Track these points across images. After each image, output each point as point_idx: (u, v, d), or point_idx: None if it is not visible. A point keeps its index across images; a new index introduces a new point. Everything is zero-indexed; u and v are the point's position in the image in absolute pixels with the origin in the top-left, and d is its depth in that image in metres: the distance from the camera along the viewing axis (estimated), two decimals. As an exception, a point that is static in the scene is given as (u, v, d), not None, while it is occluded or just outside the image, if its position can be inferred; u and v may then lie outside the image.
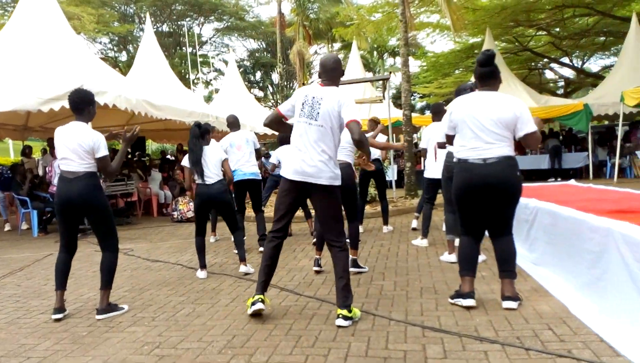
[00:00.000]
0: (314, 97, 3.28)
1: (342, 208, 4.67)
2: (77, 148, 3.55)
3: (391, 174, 10.36)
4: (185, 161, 4.84)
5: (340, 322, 3.13)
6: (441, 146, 3.56)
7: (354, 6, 20.94)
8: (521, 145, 13.02)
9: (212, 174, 4.71)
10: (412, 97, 33.06)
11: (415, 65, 29.18)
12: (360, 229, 6.76)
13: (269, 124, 3.53)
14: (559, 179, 12.43)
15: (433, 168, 5.39)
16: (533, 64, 22.68)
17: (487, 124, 3.23)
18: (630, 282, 2.69)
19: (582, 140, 14.83)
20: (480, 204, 3.35)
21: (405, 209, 8.72)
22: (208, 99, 22.82)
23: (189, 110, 9.89)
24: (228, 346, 2.92)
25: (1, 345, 3.17)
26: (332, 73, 3.36)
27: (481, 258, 4.66)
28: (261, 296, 3.33)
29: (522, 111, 3.22)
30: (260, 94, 36.43)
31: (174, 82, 12.58)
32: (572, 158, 14.21)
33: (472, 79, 3.61)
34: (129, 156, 13.08)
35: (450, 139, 3.55)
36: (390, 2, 15.16)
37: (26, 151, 10.95)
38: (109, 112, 8.35)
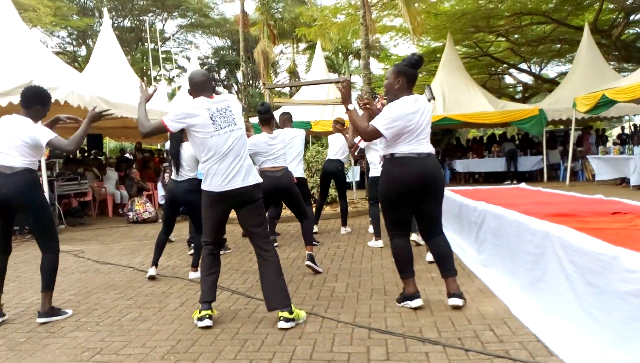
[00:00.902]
0: (217, 109, 3.26)
1: (291, 210, 4.73)
2: (21, 145, 3.42)
3: (352, 175, 10.43)
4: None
5: (282, 324, 3.12)
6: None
7: (318, 7, 20.99)
8: (480, 150, 13.06)
9: (184, 172, 4.63)
10: (376, 100, 33.43)
11: (379, 67, 29.51)
12: (315, 229, 6.79)
13: (150, 133, 3.31)
14: (515, 181, 12.81)
15: (378, 168, 5.40)
16: (493, 69, 23.29)
17: (425, 123, 3.33)
18: (566, 283, 2.79)
19: (537, 144, 15.34)
20: (413, 201, 3.36)
21: (364, 211, 8.77)
22: (172, 96, 22.40)
23: (147, 108, 9.67)
24: (171, 351, 2.87)
25: None
26: (208, 84, 3.40)
27: (432, 257, 4.75)
28: (208, 311, 3.27)
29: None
30: (225, 92, 36.01)
31: (133, 79, 12.27)
32: (527, 161, 14.69)
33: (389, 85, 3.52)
34: (85, 154, 12.71)
35: (374, 138, 3.43)
36: (352, 5, 15.27)
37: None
38: (62, 108, 8.06)
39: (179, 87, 20.84)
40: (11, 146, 3.43)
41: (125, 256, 5.91)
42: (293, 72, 27.94)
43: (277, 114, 6.60)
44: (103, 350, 2.94)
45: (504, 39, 20.00)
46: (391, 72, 3.41)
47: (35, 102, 3.58)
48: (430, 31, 17.46)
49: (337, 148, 6.57)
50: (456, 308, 3.34)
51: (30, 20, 19.82)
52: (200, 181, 4.81)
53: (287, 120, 5.98)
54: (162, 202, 7.05)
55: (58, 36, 28.57)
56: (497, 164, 14.83)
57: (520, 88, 25.48)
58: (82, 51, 29.09)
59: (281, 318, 3.14)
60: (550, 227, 3.02)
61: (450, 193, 5.80)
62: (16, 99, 5.16)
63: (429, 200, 3.38)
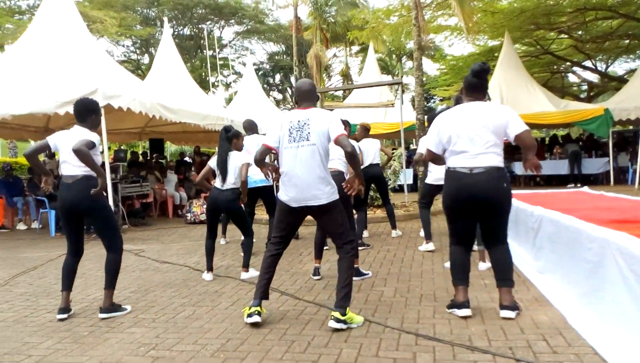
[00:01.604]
0: (299, 121, 3.32)
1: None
2: None
3: (403, 178, 10.32)
4: (212, 161, 4.92)
5: (330, 323, 3.16)
6: (432, 160, 3.52)
7: (370, 10, 20.94)
8: (541, 151, 12.45)
9: (229, 181, 4.77)
10: (432, 101, 32.85)
11: (434, 68, 29.02)
12: (366, 234, 6.76)
13: (260, 159, 3.46)
14: (579, 185, 12.21)
15: (437, 175, 5.37)
16: (555, 67, 22.28)
17: (477, 132, 3.22)
18: (627, 293, 2.63)
19: (603, 145, 14.55)
20: (468, 213, 3.35)
21: (416, 214, 8.64)
22: (229, 101, 23.07)
23: (204, 113, 10.02)
24: (221, 349, 2.96)
25: (6, 342, 3.27)
26: (310, 95, 3.43)
27: (486, 266, 4.63)
28: (257, 308, 3.35)
29: (511, 115, 3.26)
30: (280, 96, 36.70)
31: (191, 85, 12.75)
32: (592, 163, 13.95)
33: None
34: (147, 158, 13.34)
35: (433, 156, 3.46)
36: (405, 6, 15.12)
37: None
38: (125, 114, 8.51)
39: (235, 93, 21.41)
40: (69, 153, 3.65)
41: (182, 256, 6.14)
42: (345, 75, 28.03)
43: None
44: (157, 346, 3.08)
45: (566, 36, 19.11)
46: None
47: (88, 113, 3.79)
48: (487, 30, 16.99)
49: (372, 152, 6.48)
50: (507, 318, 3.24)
51: (98, 32, 21.06)
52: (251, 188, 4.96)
53: None
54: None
55: (123, 45, 30.17)
56: (559, 166, 14.19)
57: (585, 87, 24.26)
58: (145, 59, 30.53)
59: (332, 317, 3.18)
60: (610, 234, 2.86)
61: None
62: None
63: (486, 214, 3.31)
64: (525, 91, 13.84)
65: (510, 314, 3.22)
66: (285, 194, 3.36)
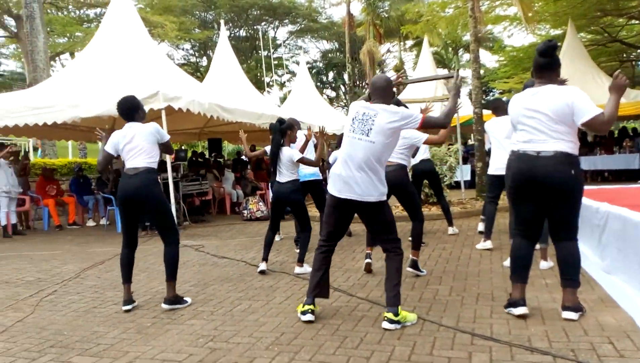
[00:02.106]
0: (364, 113, 3.27)
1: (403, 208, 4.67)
2: (145, 144, 3.85)
3: (460, 174, 10.06)
4: (268, 147, 5.04)
5: (385, 324, 3.14)
6: None
7: (425, 3, 20.52)
8: (610, 145, 11.87)
9: (283, 174, 4.86)
10: (490, 94, 31.80)
11: (493, 60, 28.10)
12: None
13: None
14: (651, 180, 11.44)
15: (497, 164, 5.19)
16: (624, 55, 20.95)
17: (540, 118, 3.10)
18: None
19: (679, 137, 13.55)
20: (531, 199, 3.20)
21: (474, 212, 8.44)
22: (283, 100, 23.43)
23: (259, 113, 10.22)
24: (276, 342, 3.02)
25: (77, 330, 3.49)
26: (383, 92, 3.35)
27: (548, 264, 4.45)
28: (311, 306, 3.38)
29: (574, 100, 3.02)
30: (333, 94, 36.81)
31: (247, 85, 13.03)
32: (666, 157, 13.00)
33: None
34: (206, 157, 13.79)
35: None
36: (461, -3, 14.72)
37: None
38: (185, 116, 8.82)
39: (289, 92, 21.68)
40: (138, 148, 3.85)
41: (239, 251, 6.31)
42: (399, 70, 27.66)
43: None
44: (215, 337, 3.19)
45: (637, 21, 17.92)
46: None
47: (134, 110, 3.99)
48: (549, 19, 16.23)
49: (423, 147, 6.31)
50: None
51: (159, 36, 21.95)
52: (301, 181, 5.05)
53: None
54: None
55: (182, 49, 31.30)
56: (629, 160, 13.33)
57: (659, 76, 22.64)
58: (204, 61, 31.51)
59: (385, 318, 3.16)
60: (684, 232, 2.67)
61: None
62: (145, 109, 5.74)
63: (551, 201, 3.14)
64: (591, 81, 13.09)
65: (573, 316, 3.08)
66: (334, 183, 3.34)
